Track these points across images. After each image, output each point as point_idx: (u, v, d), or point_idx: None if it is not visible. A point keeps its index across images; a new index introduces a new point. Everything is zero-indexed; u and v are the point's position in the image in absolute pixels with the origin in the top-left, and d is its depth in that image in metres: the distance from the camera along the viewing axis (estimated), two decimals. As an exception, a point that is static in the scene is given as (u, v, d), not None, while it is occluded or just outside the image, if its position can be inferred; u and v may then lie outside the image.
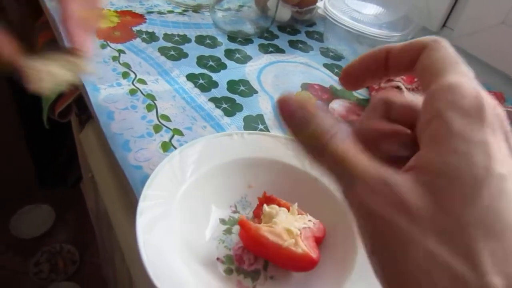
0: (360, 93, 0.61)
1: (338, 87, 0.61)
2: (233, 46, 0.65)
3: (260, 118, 0.51)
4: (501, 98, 0.60)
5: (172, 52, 0.60)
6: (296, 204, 0.35)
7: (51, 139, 1.40)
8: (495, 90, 0.64)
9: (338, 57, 0.69)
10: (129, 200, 0.58)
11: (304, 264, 0.31)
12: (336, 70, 0.65)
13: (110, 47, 0.58)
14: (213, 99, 0.52)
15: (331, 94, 0.59)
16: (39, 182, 1.52)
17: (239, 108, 0.52)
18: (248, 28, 0.70)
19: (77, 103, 0.79)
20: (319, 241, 0.34)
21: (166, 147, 0.43)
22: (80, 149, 0.97)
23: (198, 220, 0.34)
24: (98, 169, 0.73)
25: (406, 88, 0.60)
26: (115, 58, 0.55)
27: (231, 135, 0.40)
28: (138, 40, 0.61)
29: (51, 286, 1.32)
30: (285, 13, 0.73)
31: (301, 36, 0.73)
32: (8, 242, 1.41)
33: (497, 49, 0.67)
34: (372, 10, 0.72)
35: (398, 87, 0.59)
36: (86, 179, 1.07)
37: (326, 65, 0.66)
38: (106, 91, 0.49)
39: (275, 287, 0.32)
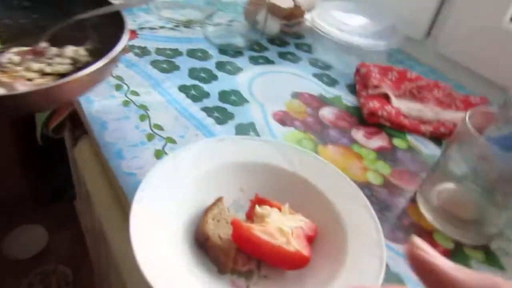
0: (349, 100, 0.62)
1: (327, 95, 0.62)
2: (224, 58, 0.67)
3: (251, 126, 0.52)
4: (485, 101, 0.62)
5: (164, 65, 0.61)
6: (287, 204, 0.36)
7: (46, 157, 1.40)
8: (479, 95, 0.66)
9: (327, 67, 0.71)
10: (125, 213, 0.59)
11: (296, 261, 0.32)
12: (325, 80, 0.67)
13: (103, 61, 0.59)
14: (204, 109, 0.53)
15: (321, 102, 0.60)
16: (34, 200, 1.51)
17: (231, 116, 0.53)
18: (238, 42, 0.72)
19: (70, 119, 0.80)
20: (311, 240, 0.35)
21: (160, 154, 0.44)
22: (74, 165, 0.97)
23: (192, 223, 0.35)
24: (93, 183, 0.73)
25: (394, 95, 0.62)
26: (108, 72, 0.56)
27: (223, 140, 0.40)
28: (131, 54, 0.62)
29: (44, 307, 1.30)
30: (274, 27, 0.75)
31: (291, 48, 0.75)
32: (0, 263, 1.38)
33: (479, 56, 0.70)
34: (358, 21, 0.74)
35: (385, 94, 0.61)
36: (81, 194, 1.06)
37: (315, 75, 0.67)
38: (100, 103, 0.50)
39: (268, 286, 0.33)
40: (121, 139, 0.45)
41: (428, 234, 0.42)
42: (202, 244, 0.33)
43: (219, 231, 0.34)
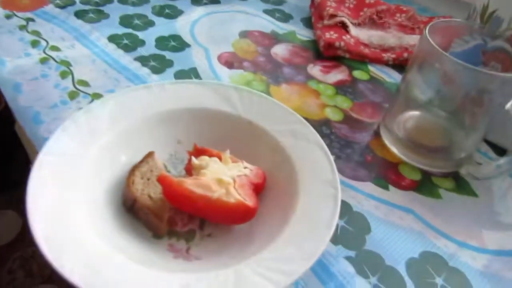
0: (303, 35, 0.56)
1: (280, 31, 0.56)
2: (161, 2, 0.59)
3: (193, 71, 0.46)
4: (450, 21, 0.57)
5: (91, 15, 0.53)
6: (228, 151, 0.31)
7: (2, 137, 1.31)
8: (444, 14, 0.61)
9: (279, 1, 0.64)
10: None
11: (240, 214, 0.27)
12: (277, 15, 0.60)
13: (17, 16, 0.51)
14: (139, 58, 0.47)
15: (273, 39, 0.54)
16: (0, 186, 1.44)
17: (169, 64, 0.46)
18: (179, -18, 0.63)
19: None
20: (259, 188, 0.30)
21: (84, 114, 0.38)
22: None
23: (117, 187, 0.30)
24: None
25: (352, 23, 0.56)
26: (22, 27, 0.49)
27: (149, 87, 0.35)
28: (51, 6, 0.54)
29: (28, 291, 1.27)
30: (217, -39, 0.67)
31: (238, -15, 0.67)
32: (-25, 254, 1.33)
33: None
34: None
35: (343, 23, 0.55)
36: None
37: (266, 11, 0.61)
38: (13, 63, 0.43)
39: (212, 244, 0.28)
40: (38, 101, 0.39)
41: (393, 168, 0.38)
42: (130, 208, 0.29)
43: (149, 191, 0.29)
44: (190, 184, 0.27)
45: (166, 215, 0.28)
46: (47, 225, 0.23)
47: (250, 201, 0.28)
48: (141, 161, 0.31)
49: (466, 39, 0.39)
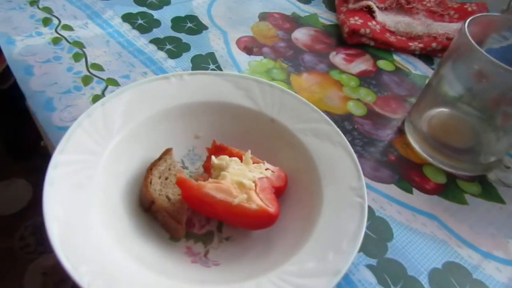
0: (327, 18, 0.53)
1: (302, 13, 0.53)
2: (177, -23, 0.56)
3: (211, 56, 0.44)
4: (483, 8, 0.54)
5: (104, -10, 0.51)
6: (249, 151, 0.29)
7: (13, 110, 1.30)
8: (476, 1, 0.58)
9: (301, -20, 0.60)
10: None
11: (262, 220, 0.26)
12: (299, -5, 0.57)
13: (27, -10, 0.48)
14: (154, 41, 0.45)
15: (294, 22, 0.51)
16: (11, 156, 1.45)
17: (186, 48, 0.44)
18: (195, -44, 0.60)
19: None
20: (280, 191, 0.29)
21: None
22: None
23: (134, 184, 0.29)
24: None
25: (378, 7, 0.53)
26: (32, 3, 0.46)
27: (168, 77, 0.33)
28: (62, -21, 0.51)
29: (40, 258, 1.30)
30: None
31: (258, -40, 0.64)
32: (-12, 221, 1.36)
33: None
34: None
35: (369, 7, 0.52)
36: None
37: (287, -10, 0.57)
38: (23, 43, 0.41)
39: (231, 248, 0.28)
40: (51, 85, 0.38)
41: (417, 169, 0.37)
42: (148, 209, 0.28)
43: (167, 192, 0.28)
44: (209, 188, 0.26)
45: (184, 218, 0.27)
46: (64, 231, 0.22)
47: (271, 207, 0.26)
48: (159, 159, 0.29)
49: (505, 35, 0.37)
